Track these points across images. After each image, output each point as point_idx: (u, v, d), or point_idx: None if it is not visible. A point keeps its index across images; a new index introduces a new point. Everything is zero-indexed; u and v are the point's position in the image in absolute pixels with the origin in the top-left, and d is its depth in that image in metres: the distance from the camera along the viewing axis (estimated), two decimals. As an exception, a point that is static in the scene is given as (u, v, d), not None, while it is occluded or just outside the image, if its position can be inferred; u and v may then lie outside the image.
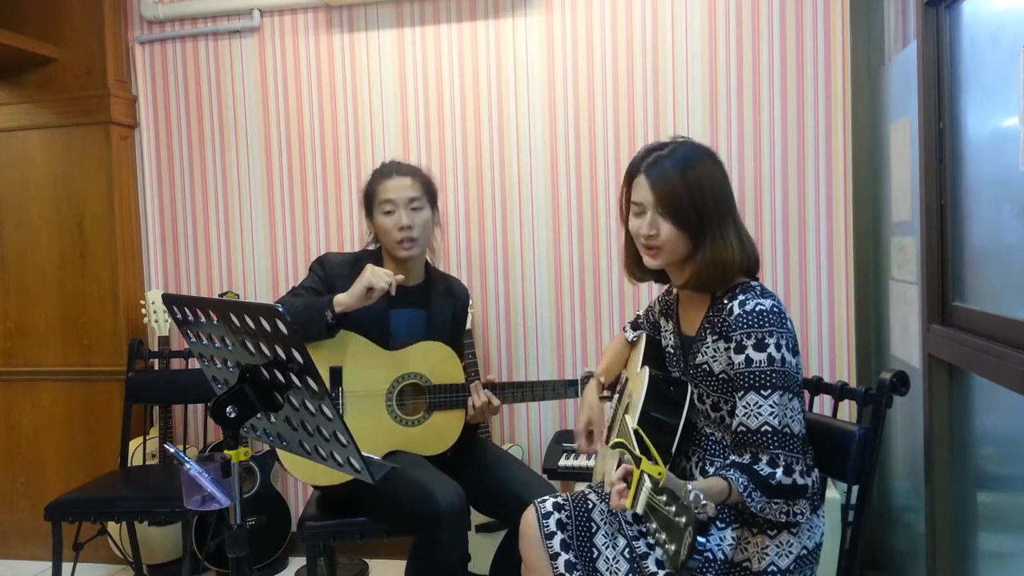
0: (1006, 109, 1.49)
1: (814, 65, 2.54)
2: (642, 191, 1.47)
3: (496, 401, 2.05)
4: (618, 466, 1.27)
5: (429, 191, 2.12)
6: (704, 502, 1.05)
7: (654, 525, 1.14)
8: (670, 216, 1.44)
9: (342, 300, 1.91)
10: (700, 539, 1.03)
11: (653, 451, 1.20)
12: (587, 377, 2.09)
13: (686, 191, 1.43)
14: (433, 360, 2.06)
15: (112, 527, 2.71)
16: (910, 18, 2.10)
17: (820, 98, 2.54)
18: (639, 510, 1.18)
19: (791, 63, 2.55)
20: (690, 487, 1.09)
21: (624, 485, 1.22)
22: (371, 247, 2.19)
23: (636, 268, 1.63)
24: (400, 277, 1.96)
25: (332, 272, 2.06)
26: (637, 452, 1.22)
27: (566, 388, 2.10)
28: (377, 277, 1.91)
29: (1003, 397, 1.51)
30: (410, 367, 2.04)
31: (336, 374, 1.96)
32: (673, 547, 1.07)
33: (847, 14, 2.50)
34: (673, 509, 1.09)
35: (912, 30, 2.03)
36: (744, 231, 1.50)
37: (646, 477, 1.18)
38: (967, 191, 1.71)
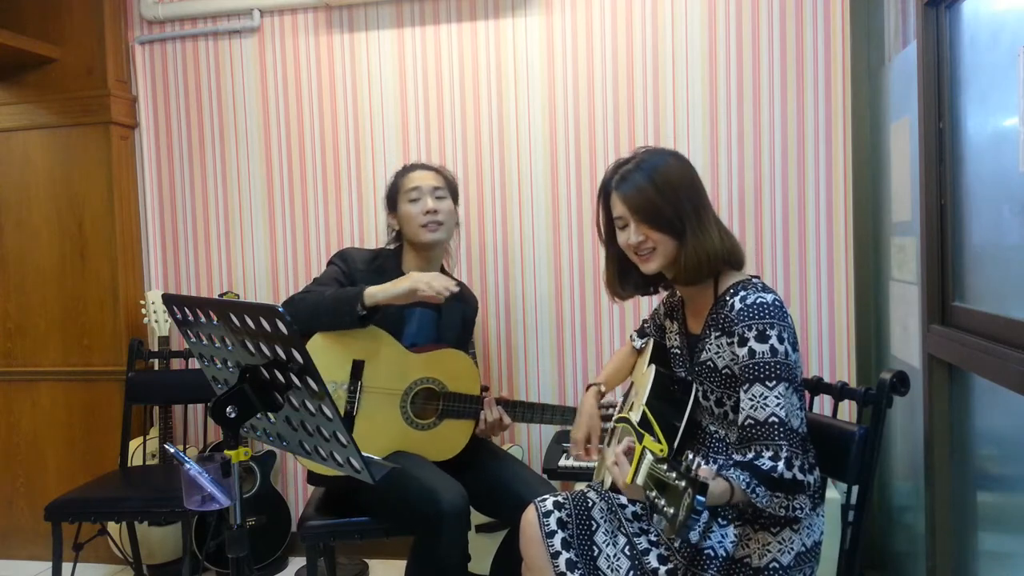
0: (1006, 109, 1.49)
1: (814, 65, 2.54)
2: (618, 206, 1.54)
3: (508, 420, 2.07)
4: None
5: (452, 187, 2.20)
6: (703, 466, 1.08)
7: (654, 493, 1.18)
8: (650, 222, 1.50)
9: (374, 293, 1.89)
10: (699, 498, 1.06)
11: (658, 431, 1.22)
12: None
13: (658, 195, 1.49)
14: (453, 368, 2.07)
15: (112, 527, 2.71)
16: (910, 18, 2.10)
17: (820, 98, 2.54)
18: (639, 481, 1.21)
19: (791, 63, 2.55)
20: (689, 454, 1.14)
21: (625, 459, 1.26)
22: (391, 246, 2.21)
23: (618, 285, 1.67)
24: (456, 289, 1.92)
25: (353, 267, 2.08)
26: (639, 428, 1.24)
27: (576, 415, 2.10)
28: (428, 284, 1.87)
29: (1003, 397, 1.51)
30: (429, 371, 2.04)
31: (358, 367, 1.95)
32: (672, 510, 1.11)
33: (847, 14, 2.50)
34: (673, 475, 1.14)
35: (912, 30, 2.03)
36: (720, 223, 1.55)
37: (648, 452, 1.20)
38: (967, 191, 1.71)
